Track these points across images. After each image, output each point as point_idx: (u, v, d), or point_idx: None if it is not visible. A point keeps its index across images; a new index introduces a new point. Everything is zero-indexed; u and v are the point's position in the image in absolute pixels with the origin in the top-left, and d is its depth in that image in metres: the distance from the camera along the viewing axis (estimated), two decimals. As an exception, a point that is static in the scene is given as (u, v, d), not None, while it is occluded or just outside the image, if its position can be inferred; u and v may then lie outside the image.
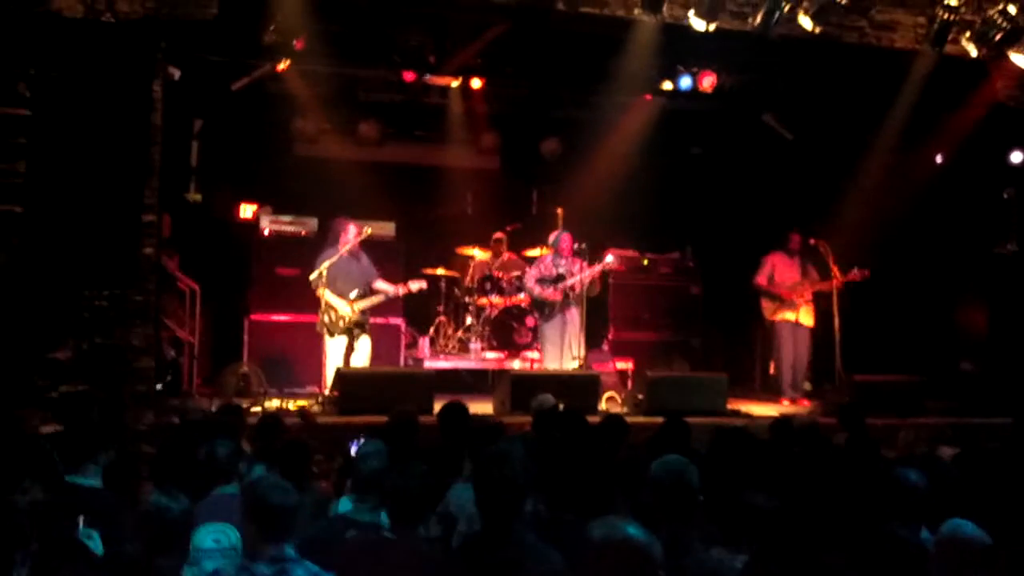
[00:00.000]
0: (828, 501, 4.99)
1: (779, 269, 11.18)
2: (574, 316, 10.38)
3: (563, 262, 10.44)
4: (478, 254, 12.06)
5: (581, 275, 10.29)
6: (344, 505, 4.93)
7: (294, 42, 9.83)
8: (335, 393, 9.08)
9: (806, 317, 11.12)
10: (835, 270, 10.76)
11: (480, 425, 6.38)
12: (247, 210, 11.74)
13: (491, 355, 11.47)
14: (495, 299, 11.56)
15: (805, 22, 8.73)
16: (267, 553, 3.77)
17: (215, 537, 4.18)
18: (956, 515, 4.04)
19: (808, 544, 4.16)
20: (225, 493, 4.80)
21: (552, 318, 10.39)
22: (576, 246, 10.49)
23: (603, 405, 9.75)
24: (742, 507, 4.07)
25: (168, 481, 4.95)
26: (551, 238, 10.73)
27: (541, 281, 10.42)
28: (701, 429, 6.85)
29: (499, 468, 3.96)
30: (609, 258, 10.59)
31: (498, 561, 3.79)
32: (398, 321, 11.25)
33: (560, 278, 10.35)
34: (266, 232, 11.30)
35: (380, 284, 9.95)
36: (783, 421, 7.06)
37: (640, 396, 9.63)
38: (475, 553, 3.86)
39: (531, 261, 11.24)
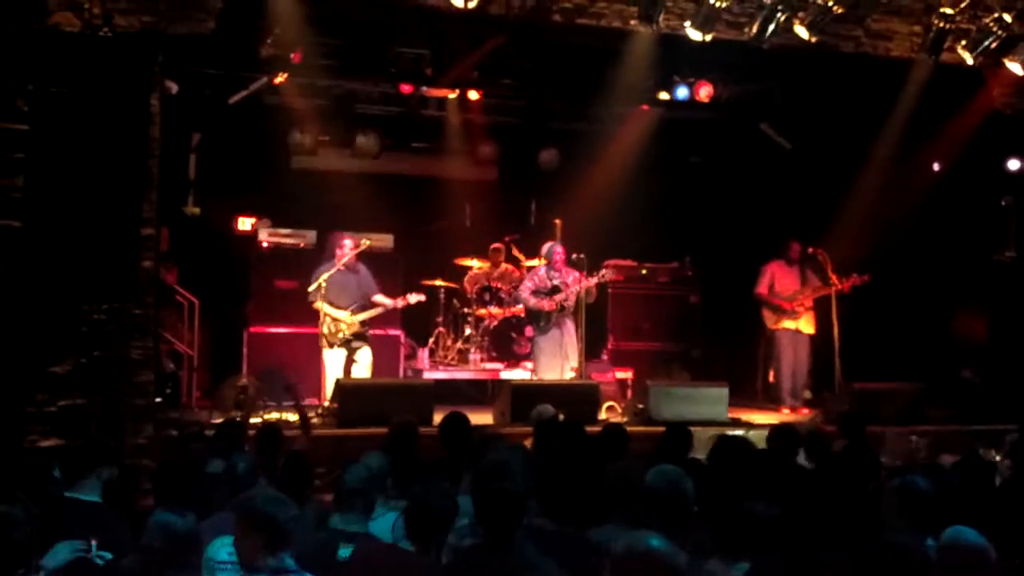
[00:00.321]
0: (827, 509, 4.98)
1: (779, 278, 11.19)
2: (570, 328, 10.34)
3: (556, 274, 10.40)
4: (477, 265, 12.06)
5: (575, 287, 10.24)
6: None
7: (291, 55, 9.87)
8: (335, 405, 9.07)
9: (807, 325, 11.13)
10: (834, 278, 10.77)
11: (481, 437, 6.37)
12: (245, 223, 11.74)
13: (490, 365, 11.47)
14: (494, 310, 11.57)
15: (801, 31, 8.73)
16: (266, 565, 3.75)
17: (229, 550, 4.18)
18: (958, 522, 4.03)
19: (808, 553, 4.16)
20: None
21: (548, 330, 10.33)
22: (572, 257, 10.47)
23: (603, 415, 9.74)
24: (743, 517, 4.05)
25: (172, 495, 4.95)
26: (544, 250, 10.69)
27: (536, 293, 10.38)
28: (702, 438, 6.83)
29: (498, 479, 3.93)
30: (604, 271, 10.53)
31: (496, 573, 3.75)
32: (397, 332, 11.24)
33: (555, 290, 10.30)
34: (264, 245, 11.30)
35: (378, 297, 9.96)
36: (782, 429, 7.04)
37: (640, 405, 9.63)
38: (473, 565, 3.84)
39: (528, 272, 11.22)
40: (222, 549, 4.20)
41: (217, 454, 5.93)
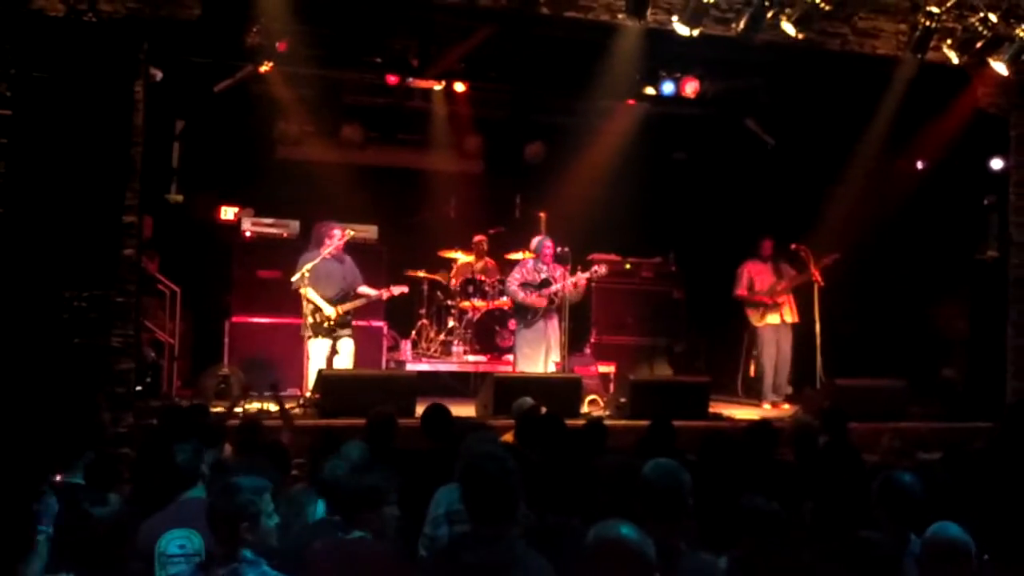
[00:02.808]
0: (810, 504, 5.01)
1: (756, 276, 11.22)
2: (553, 321, 10.31)
3: (545, 267, 10.39)
4: (461, 257, 12.04)
5: (566, 282, 10.22)
6: (321, 510, 4.92)
7: (277, 44, 9.82)
8: (317, 395, 9.04)
9: (789, 314, 11.15)
10: (816, 274, 10.80)
11: (464, 428, 6.36)
12: (228, 212, 11.67)
13: (473, 358, 11.45)
14: (477, 302, 11.56)
15: (788, 28, 8.73)
16: (223, 556, 3.77)
17: (180, 543, 4.23)
18: (941, 518, 4.05)
19: (791, 547, 4.17)
20: (191, 497, 4.74)
21: (533, 324, 10.30)
22: (559, 251, 10.45)
23: (585, 408, 9.74)
24: (739, 511, 4.05)
25: (144, 484, 4.93)
26: (533, 243, 10.66)
27: (525, 286, 10.33)
28: (683, 432, 6.85)
29: (494, 468, 3.87)
30: (597, 267, 10.50)
31: (482, 566, 3.69)
32: (380, 324, 11.21)
33: (545, 283, 10.27)
34: (247, 234, 11.24)
35: (363, 288, 9.91)
36: (761, 425, 7.06)
37: (623, 399, 9.62)
38: (459, 556, 3.80)
39: (512, 265, 11.16)
40: (172, 542, 4.22)
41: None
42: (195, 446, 5.04)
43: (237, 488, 3.89)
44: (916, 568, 4.06)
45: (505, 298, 10.95)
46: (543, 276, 10.28)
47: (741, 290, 11.22)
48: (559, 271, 10.33)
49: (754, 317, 11.24)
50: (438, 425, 6.48)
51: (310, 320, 9.51)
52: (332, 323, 9.57)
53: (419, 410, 8.16)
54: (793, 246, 11.06)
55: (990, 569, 4.11)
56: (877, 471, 5.47)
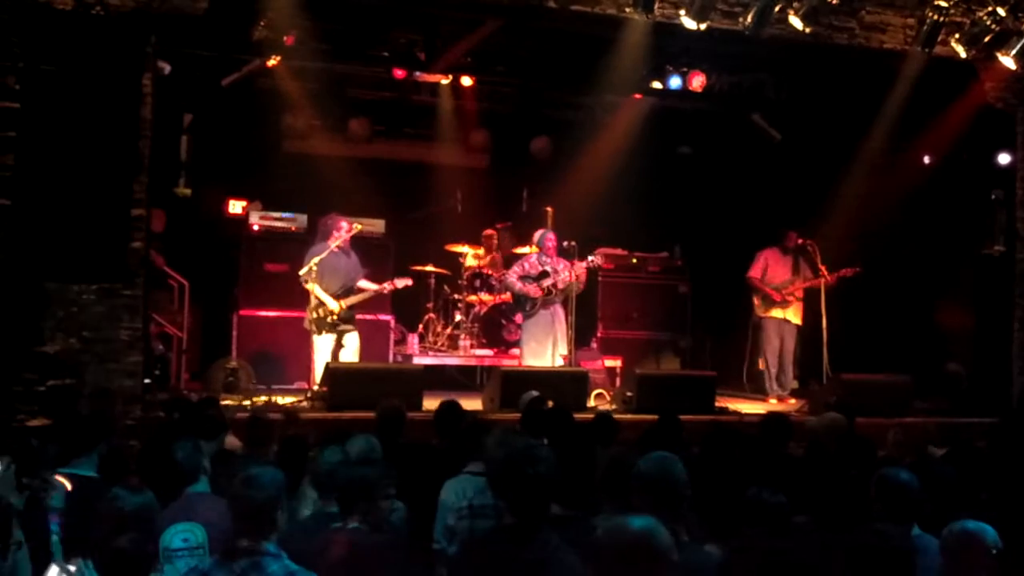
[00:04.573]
0: (820, 496, 5.01)
1: (772, 265, 11.22)
2: (560, 314, 10.33)
3: (548, 261, 10.40)
4: (468, 251, 12.06)
5: (564, 273, 10.24)
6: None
7: (284, 38, 9.83)
8: (324, 389, 9.06)
9: (795, 315, 11.17)
10: (823, 269, 10.82)
11: (473, 422, 6.36)
12: (236, 206, 11.69)
13: (480, 352, 11.48)
14: (484, 296, 11.59)
15: (795, 22, 8.74)
16: (244, 548, 3.68)
17: (183, 537, 4.23)
18: (948, 514, 4.05)
19: (795, 538, 4.18)
20: (195, 492, 4.76)
21: (535, 315, 10.31)
22: (564, 244, 10.47)
23: (592, 402, 9.76)
24: (745, 502, 4.05)
25: (149, 478, 4.94)
26: (536, 237, 10.69)
27: (524, 279, 10.36)
28: (690, 426, 6.87)
29: (532, 464, 3.82)
30: (593, 256, 10.52)
31: (522, 560, 3.67)
32: (387, 317, 11.24)
33: (544, 275, 10.30)
34: (255, 228, 11.26)
35: (363, 283, 9.91)
36: (775, 418, 7.08)
37: (629, 394, 9.63)
38: (492, 551, 3.77)
39: (518, 259, 11.19)
40: (176, 537, 4.22)
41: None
42: (193, 442, 5.06)
43: (261, 480, 3.81)
44: (927, 563, 4.04)
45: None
46: (545, 269, 10.31)
47: (754, 272, 11.21)
48: (562, 264, 10.34)
49: (758, 307, 11.25)
50: (450, 422, 6.47)
51: (313, 315, 9.51)
52: (335, 318, 9.57)
53: (426, 403, 8.24)
54: (800, 240, 11.06)
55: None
56: (884, 463, 5.50)
